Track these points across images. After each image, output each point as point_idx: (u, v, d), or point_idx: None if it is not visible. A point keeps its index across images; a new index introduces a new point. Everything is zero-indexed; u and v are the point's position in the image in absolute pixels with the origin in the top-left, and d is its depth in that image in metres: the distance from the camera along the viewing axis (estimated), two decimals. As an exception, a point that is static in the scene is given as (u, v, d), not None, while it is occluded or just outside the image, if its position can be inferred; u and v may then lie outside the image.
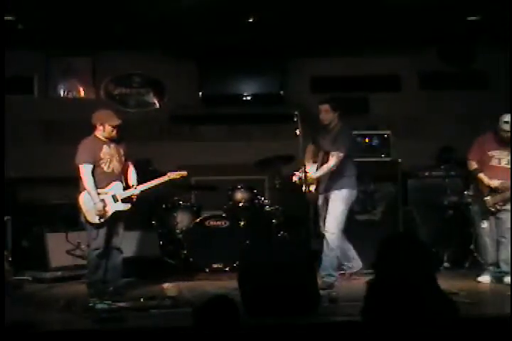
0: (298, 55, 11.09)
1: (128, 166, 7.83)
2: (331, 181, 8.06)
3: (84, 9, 8.74)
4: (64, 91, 11.32)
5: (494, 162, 8.26)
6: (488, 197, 8.15)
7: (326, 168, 7.94)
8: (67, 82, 11.30)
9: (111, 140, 7.62)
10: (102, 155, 7.53)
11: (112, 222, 7.61)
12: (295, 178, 8.09)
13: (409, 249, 3.93)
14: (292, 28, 9.86)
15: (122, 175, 7.74)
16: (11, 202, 10.18)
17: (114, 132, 7.56)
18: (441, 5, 8.82)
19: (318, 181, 8.08)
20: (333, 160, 7.96)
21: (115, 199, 7.54)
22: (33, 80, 11.20)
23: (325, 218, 8.07)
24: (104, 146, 7.57)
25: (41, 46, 10.32)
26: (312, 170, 8.07)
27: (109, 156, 7.59)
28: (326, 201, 8.11)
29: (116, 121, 7.52)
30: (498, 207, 8.13)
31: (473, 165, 8.32)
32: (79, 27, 9.50)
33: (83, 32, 9.74)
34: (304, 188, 7.93)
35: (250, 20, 9.41)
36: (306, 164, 8.11)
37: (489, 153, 8.24)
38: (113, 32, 9.77)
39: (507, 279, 8.08)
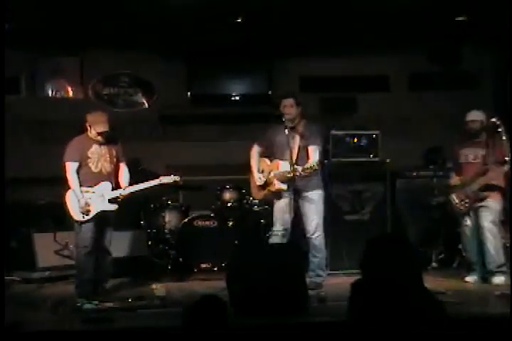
0: (286, 54, 11.09)
1: (120, 167, 7.80)
2: (307, 180, 7.84)
3: (72, 8, 8.72)
4: (52, 91, 11.28)
5: (462, 159, 8.35)
6: (453, 195, 8.22)
7: (312, 163, 7.56)
8: (55, 82, 11.26)
9: (103, 140, 7.59)
10: (90, 154, 7.52)
11: (99, 222, 7.58)
12: (258, 179, 8.07)
13: (396, 250, 3.94)
14: (281, 27, 9.86)
15: (112, 176, 7.71)
16: (-1, 202, 10.21)
17: (99, 137, 7.54)
18: (430, 5, 8.82)
19: (291, 180, 7.79)
20: (317, 155, 7.91)
21: (102, 199, 7.52)
22: (19, 80, 11.16)
23: (302, 219, 8.05)
24: (94, 145, 7.56)
25: (28, 46, 10.29)
26: (286, 168, 7.80)
27: (98, 156, 7.56)
28: (297, 201, 7.98)
29: (102, 128, 7.48)
30: (466, 205, 8.18)
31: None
32: (67, 26, 9.47)
33: (71, 31, 9.72)
34: (276, 186, 7.89)
35: (239, 20, 9.41)
36: (254, 166, 8.15)
37: (460, 151, 8.38)
38: (101, 31, 9.75)
39: (495, 279, 8.11)
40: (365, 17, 9.47)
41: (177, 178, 8.02)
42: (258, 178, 8.08)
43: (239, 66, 11.25)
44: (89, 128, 7.56)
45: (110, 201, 7.56)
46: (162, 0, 7.77)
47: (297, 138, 7.88)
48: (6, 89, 10.81)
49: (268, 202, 9.24)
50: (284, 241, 7.93)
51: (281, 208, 8.02)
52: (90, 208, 7.47)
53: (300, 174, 7.56)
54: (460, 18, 9.59)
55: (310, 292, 6.96)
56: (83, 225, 7.53)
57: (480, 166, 8.20)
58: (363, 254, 4.03)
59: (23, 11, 8.54)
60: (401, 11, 9.03)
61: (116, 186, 7.72)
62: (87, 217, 7.50)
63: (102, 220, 7.60)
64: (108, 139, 7.63)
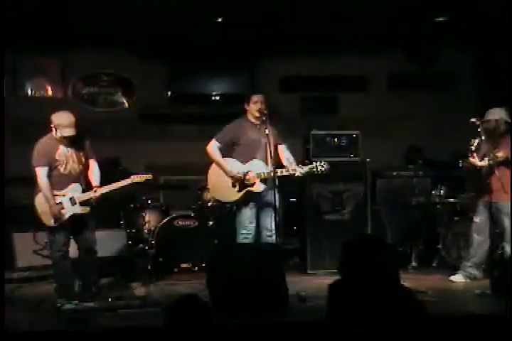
0: (267, 55, 11.11)
1: (89, 166, 7.57)
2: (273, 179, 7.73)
3: (52, 8, 8.70)
4: (32, 91, 11.24)
5: None
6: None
7: (316, 165, 7.57)
8: (34, 81, 11.22)
9: (69, 140, 7.31)
10: (57, 156, 7.29)
11: (74, 225, 7.44)
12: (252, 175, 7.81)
13: (372, 251, 3.96)
14: (261, 28, 9.87)
15: (82, 177, 7.50)
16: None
17: (65, 140, 7.27)
18: (409, 5, 8.85)
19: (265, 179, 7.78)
20: (289, 153, 7.95)
21: (73, 202, 7.33)
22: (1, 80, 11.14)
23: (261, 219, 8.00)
24: (61, 147, 7.32)
25: (8, 45, 10.25)
26: (260, 168, 7.79)
27: (66, 158, 7.33)
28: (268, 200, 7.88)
29: (68, 133, 7.19)
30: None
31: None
32: (47, 26, 9.44)
33: (51, 31, 9.69)
34: (259, 187, 7.84)
35: (219, 21, 9.41)
36: (223, 163, 7.97)
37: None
38: (82, 31, 9.73)
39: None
40: (345, 18, 9.50)
41: (149, 177, 7.80)
42: (237, 177, 7.80)
43: (219, 66, 11.24)
44: (54, 130, 7.27)
45: (81, 203, 7.38)
46: (143, 0, 7.75)
47: (269, 136, 7.70)
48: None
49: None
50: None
51: (250, 213, 7.91)
52: (63, 212, 7.31)
53: (294, 175, 7.57)
54: (439, 19, 9.61)
55: (290, 292, 6.96)
56: (55, 230, 7.40)
57: None
58: (341, 256, 4.04)
59: (2, 11, 8.52)
60: (380, 12, 9.05)
61: (88, 185, 7.52)
62: (58, 222, 7.33)
63: (76, 222, 7.44)
64: (75, 139, 7.34)
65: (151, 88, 11.15)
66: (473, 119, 7.80)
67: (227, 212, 8.20)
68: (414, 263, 9.20)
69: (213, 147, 8.08)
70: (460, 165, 8.51)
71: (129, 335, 5.69)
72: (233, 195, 7.91)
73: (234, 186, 7.85)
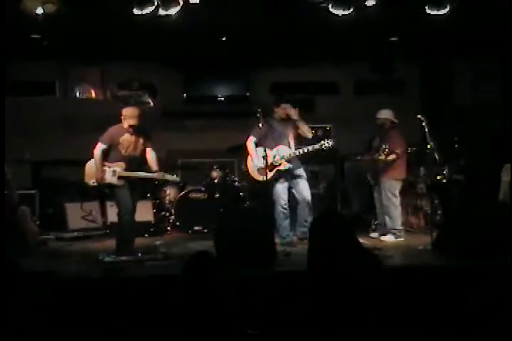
0: (260, 65, 11.07)
1: (147, 152, 7.53)
2: (296, 161, 7.99)
3: (95, 30, 8.66)
4: (79, 93, 11.21)
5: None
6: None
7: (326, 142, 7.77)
8: (81, 86, 11.19)
9: (134, 129, 7.39)
10: (121, 140, 7.33)
11: (114, 192, 7.43)
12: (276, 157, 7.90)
13: (331, 221, 3.98)
14: (256, 45, 9.83)
15: (137, 159, 7.47)
16: (38, 179, 10.16)
17: (130, 129, 7.34)
18: (369, 28, 8.81)
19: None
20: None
21: (113, 174, 7.35)
22: (55, 84, 11.12)
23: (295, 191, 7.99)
24: (126, 134, 7.36)
25: (61, 58, 10.20)
26: (285, 152, 7.89)
27: (128, 143, 7.37)
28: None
29: (132, 122, 7.29)
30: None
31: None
32: (91, 43, 9.40)
33: (94, 47, 9.64)
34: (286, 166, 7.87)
35: (223, 39, 9.36)
36: (253, 152, 8.01)
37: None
38: (117, 47, 9.68)
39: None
40: (321, 38, 9.45)
41: (176, 179, 7.95)
42: (261, 162, 7.71)
43: (223, 74, 11.20)
44: (122, 120, 7.37)
45: (119, 177, 7.36)
46: (165, 23, 7.70)
47: (292, 129, 8.03)
48: (45, 92, 10.89)
49: (246, 179, 9.24)
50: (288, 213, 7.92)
51: (283, 187, 7.95)
52: (103, 179, 7.32)
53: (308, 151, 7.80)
54: (392, 39, 9.59)
55: (278, 248, 6.96)
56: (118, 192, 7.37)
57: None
58: (310, 227, 4.06)
59: (57, 31, 8.48)
60: (349, 33, 9.03)
61: (148, 167, 7.52)
62: (96, 183, 7.38)
63: (115, 191, 7.42)
64: (138, 130, 7.40)
65: (171, 91, 11.10)
66: (418, 116, 7.82)
67: (263, 188, 8.13)
68: (373, 227, 9.19)
69: (251, 142, 8.07)
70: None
71: (153, 282, 5.71)
72: (262, 175, 7.84)
73: (263, 169, 7.71)
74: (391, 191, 8.25)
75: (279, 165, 7.90)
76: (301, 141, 8.11)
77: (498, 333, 3.64)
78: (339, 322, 3.59)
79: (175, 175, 7.85)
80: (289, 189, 7.98)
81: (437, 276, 5.84)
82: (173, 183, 9.67)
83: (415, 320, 4.27)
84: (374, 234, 8.57)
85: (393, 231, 8.25)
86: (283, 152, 7.93)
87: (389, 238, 8.23)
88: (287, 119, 8.01)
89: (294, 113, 7.95)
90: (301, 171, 8.01)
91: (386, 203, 8.29)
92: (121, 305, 5.37)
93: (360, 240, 4.05)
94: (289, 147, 7.98)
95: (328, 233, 3.89)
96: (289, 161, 7.91)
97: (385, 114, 8.40)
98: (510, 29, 8.23)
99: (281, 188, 7.94)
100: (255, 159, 8.02)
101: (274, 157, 7.90)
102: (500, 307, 3.77)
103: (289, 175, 7.98)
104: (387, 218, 8.32)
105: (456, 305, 4.62)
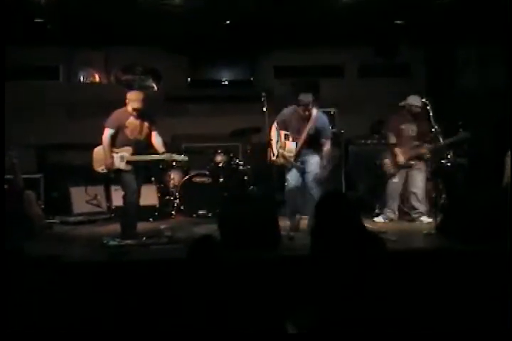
0: (264, 49, 11.03)
1: (152, 136, 7.53)
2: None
3: (99, 14, 8.64)
4: (83, 78, 11.20)
5: (405, 133, 8.38)
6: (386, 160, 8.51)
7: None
8: (85, 71, 11.18)
9: (138, 114, 7.38)
10: (127, 124, 7.33)
11: (121, 177, 7.41)
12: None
13: (335, 201, 3.97)
14: (260, 29, 9.79)
15: (143, 143, 7.47)
16: (43, 163, 10.17)
17: (135, 112, 7.32)
18: (375, 11, 8.77)
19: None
20: None
21: (121, 159, 7.35)
22: (59, 69, 11.11)
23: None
24: (131, 117, 7.35)
25: (65, 42, 10.17)
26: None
27: (133, 126, 7.37)
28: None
29: (137, 105, 7.29)
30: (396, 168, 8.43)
31: (392, 139, 8.45)
32: (94, 27, 9.37)
33: (98, 31, 9.61)
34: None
35: (227, 23, 9.33)
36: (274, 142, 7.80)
37: (401, 126, 8.38)
38: (122, 31, 9.65)
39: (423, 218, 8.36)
40: (326, 21, 9.41)
41: (185, 158, 7.81)
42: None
43: (228, 58, 11.17)
44: (127, 104, 7.36)
45: (127, 162, 7.38)
46: (169, 7, 7.67)
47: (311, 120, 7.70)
48: (49, 76, 10.89)
49: (250, 163, 9.26)
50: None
51: (294, 171, 7.78)
52: (112, 164, 7.31)
53: None
54: (397, 22, 9.54)
55: (282, 233, 6.96)
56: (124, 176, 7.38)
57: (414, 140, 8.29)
58: (315, 208, 4.04)
59: (60, 15, 8.46)
60: (354, 16, 8.98)
61: (154, 150, 7.54)
62: (105, 170, 7.38)
63: (123, 175, 7.40)
64: (142, 114, 7.39)
65: (175, 75, 11.08)
66: (423, 100, 7.81)
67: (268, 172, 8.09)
68: (377, 211, 9.18)
69: (273, 130, 7.82)
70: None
71: (158, 265, 5.72)
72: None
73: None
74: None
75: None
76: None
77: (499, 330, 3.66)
78: (343, 304, 3.60)
79: (182, 155, 7.83)
80: (302, 174, 7.88)
81: (441, 260, 5.84)
82: (177, 167, 9.69)
83: (418, 304, 4.28)
84: (378, 219, 8.56)
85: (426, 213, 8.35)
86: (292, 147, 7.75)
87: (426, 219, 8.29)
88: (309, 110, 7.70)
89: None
90: (312, 156, 7.85)
91: (422, 186, 8.33)
92: (126, 289, 5.38)
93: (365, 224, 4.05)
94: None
95: (333, 213, 3.89)
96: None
97: (419, 101, 8.20)
98: (511, 26, 8.26)
99: (293, 171, 7.81)
100: (274, 148, 7.80)
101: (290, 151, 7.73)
102: (501, 292, 3.78)
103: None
104: (419, 202, 8.39)
105: (459, 290, 4.63)
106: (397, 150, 8.38)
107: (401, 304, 3.70)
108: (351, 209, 3.95)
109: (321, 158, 7.69)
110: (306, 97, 7.68)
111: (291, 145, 7.72)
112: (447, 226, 7.00)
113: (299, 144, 7.68)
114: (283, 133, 7.75)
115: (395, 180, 8.45)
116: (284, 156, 7.68)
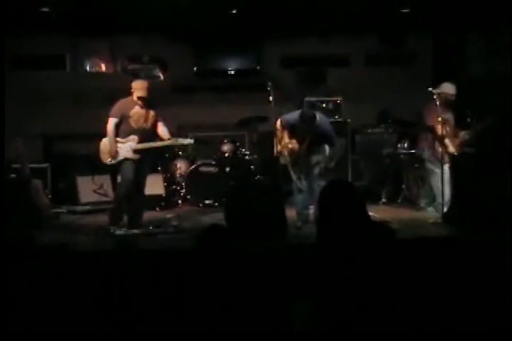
0: (270, 38, 10.98)
1: (158, 125, 7.50)
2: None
3: (105, 3, 8.63)
4: (89, 67, 11.18)
5: (449, 122, 7.96)
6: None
7: None
8: (91, 60, 11.15)
9: (143, 103, 7.37)
10: (131, 114, 7.31)
11: (127, 167, 7.36)
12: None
13: (340, 190, 3.96)
14: (266, 18, 9.76)
15: (149, 132, 7.43)
16: (49, 153, 10.17)
17: (139, 101, 7.30)
18: (381, 0, 8.76)
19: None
20: None
21: (128, 148, 7.32)
22: (65, 58, 11.09)
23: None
24: (136, 107, 7.33)
25: (71, 31, 10.15)
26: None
27: (138, 116, 7.35)
28: None
29: (141, 94, 7.28)
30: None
31: (439, 131, 7.77)
32: (100, 17, 9.35)
33: (104, 21, 9.59)
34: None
35: (233, 12, 9.30)
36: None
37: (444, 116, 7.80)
38: (128, 21, 9.64)
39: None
40: (333, 10, 9.39)
41: (191, 141, 7.75)
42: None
43: (234, 47, 11.11)
44: (132, 93, 7.35)
45: (134, 152, 7.39)
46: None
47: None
48: (55, 65, 10.88)
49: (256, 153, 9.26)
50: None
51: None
52: (118, 154, 7.30)
53: None
54: (404, 10, 9.51)
55: (289, 222, 6.95)
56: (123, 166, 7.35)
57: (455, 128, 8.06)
58: (319, 197, 4.01)
59: (66, 4, 8.45)
60: (360, 4, 8.96)
61: (160, 139, 7.51)
62: (113, 161, 7.35)
63: (130, 165, 7.36)
64: (147, 103, 7.37)
65: (181, 65, 11.04)
66: (429, 89, 7.73)
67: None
68: (384, 200, 9.19)
69: (277, 124, 7.71)
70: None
71: (164, 255, 5.72)
72: None
73: None
74: None
75: None
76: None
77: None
78: (350, 293, 3.59)
79: (188, 138, 7.81)
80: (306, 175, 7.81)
81: (448, 249, 5.83)
82: (184, 156, 9.69)
83: (422, 291, 4.26)
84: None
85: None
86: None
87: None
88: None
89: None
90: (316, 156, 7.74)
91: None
92: (132, 278, 5.38)
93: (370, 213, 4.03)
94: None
95: (338, 201, 3.88)
96: None
97: (454, 89, 8.03)
98: (511, 25, 8.19)
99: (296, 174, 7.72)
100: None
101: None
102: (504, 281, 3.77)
103: None
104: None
105: (464, 280, 4.61)
106: (447, 140, 7.83)
107: (407, 294, 3.69)
108: (356, 198, 3.94)
109: (324, 157, 7.69)
110: (310, 111, 7.71)
111: (294, 146, 7.70)
112: (454, 215, 6.99)
113: (302, 146, 7.63)
114: (286, 134, 7.71)
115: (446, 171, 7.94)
116: (286, 156, 7.66)
